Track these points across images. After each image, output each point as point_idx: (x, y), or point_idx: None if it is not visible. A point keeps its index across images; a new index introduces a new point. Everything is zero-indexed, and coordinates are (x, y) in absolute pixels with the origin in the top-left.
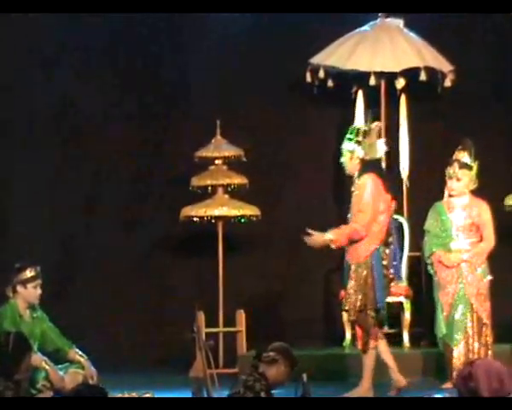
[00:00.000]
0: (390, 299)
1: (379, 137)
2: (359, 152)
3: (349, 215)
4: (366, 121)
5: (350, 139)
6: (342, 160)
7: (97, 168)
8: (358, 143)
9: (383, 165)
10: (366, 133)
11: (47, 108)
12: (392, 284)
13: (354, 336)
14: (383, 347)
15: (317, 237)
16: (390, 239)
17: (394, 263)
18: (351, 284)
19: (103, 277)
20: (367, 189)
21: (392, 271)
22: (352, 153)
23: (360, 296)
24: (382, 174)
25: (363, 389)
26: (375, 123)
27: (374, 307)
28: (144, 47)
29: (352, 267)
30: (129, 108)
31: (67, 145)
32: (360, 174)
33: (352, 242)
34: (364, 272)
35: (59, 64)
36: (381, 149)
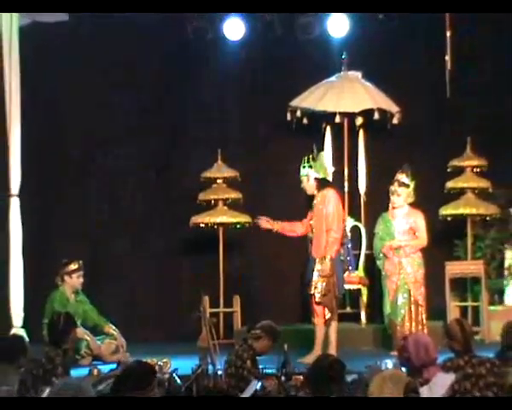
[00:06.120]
0: (351, 286)
1: (325, 160)
2: (313, 173)
3: (312, 222)
4: (313, 151)
5: (304, 166)
6: (302, 185)
7: (121, 185)
8: (310, 167)
9: (346, 185)
10: (315, 158)
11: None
12: (347, 273)
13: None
14: (334, 326)
15: (324, 268)
16: (344, 240)
17: (348, 258)
18: (316, 274)
19: (131, 269)
20: (331, 200)
21: (347, 263)
22: (307, 176)
23: (325, 284)
24: (337, 188)
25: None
26: (321, 152)
27: (335, 292)
28: (159, 75)
29: (317, 261)
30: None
31: (89, 166)
32: (319, 190)
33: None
34: (329, 264)
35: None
36: (328, 169)
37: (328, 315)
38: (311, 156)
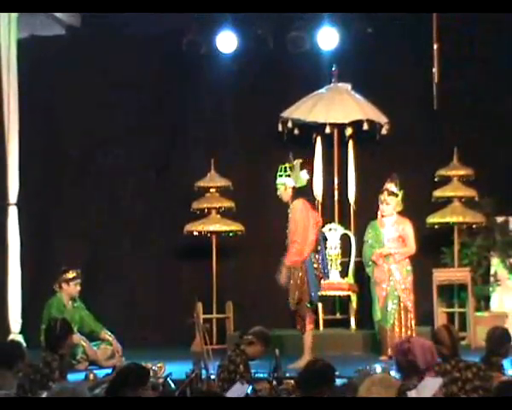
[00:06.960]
0: (340, 292)
1: (301, 169)
2: (290, 182)
3: (287, 230)
4: (289, 161)
5: (280, 175)
6: (278, 192)
7: (121, 194)
8: (288, 176)
9: (336, 194)
10: (292, 168)
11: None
12: (322, 281)
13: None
14: (310, 332)
15: (283, 275)
16: (319, 248)
17: (322, 266)
18: (290, 282)
19: (131, 269)
20: (297, 212)
21: (321, 271)
22: (284, 185)
23: (297, 292)
24: (310, 199)
25: (305, 361)
26: (296, 160)
27: (309, 300)
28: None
29: (290, 270)
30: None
31: (93, 175)
32: (292, 200)
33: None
34: (300, 274)
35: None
36: (304, 178)
37: (301, 322)
38: (288, 165)
